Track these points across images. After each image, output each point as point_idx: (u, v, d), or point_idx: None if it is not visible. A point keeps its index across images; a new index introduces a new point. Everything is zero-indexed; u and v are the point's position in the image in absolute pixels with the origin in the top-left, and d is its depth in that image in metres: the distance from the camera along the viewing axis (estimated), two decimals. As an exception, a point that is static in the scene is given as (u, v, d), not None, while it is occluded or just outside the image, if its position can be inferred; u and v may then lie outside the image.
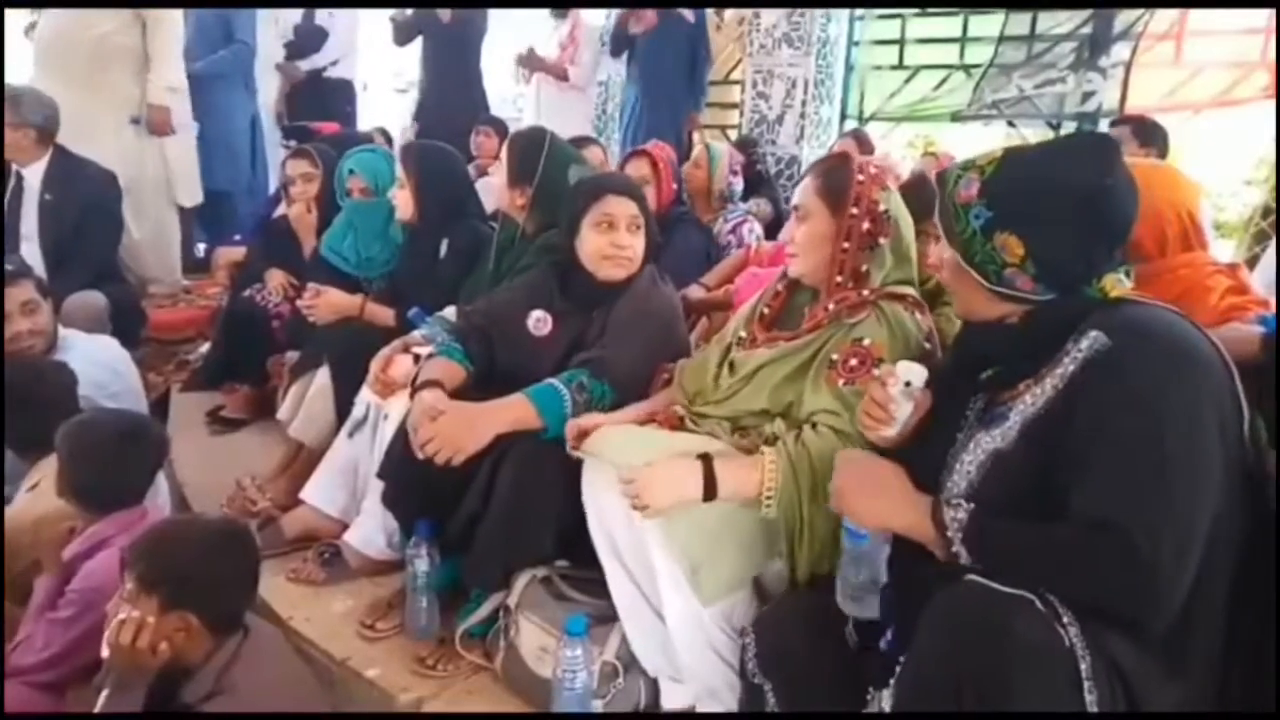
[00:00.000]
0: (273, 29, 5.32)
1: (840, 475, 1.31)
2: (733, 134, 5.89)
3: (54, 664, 1.76)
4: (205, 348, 3.61)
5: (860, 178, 1.65)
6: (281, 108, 5.48)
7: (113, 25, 3.92)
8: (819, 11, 5.31)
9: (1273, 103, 4.20)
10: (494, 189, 2.64)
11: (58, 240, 3.36)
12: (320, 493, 2.26)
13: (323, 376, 2.47)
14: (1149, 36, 4.58)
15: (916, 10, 5.37)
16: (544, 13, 5.59)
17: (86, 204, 3.42)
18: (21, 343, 2.47)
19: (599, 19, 5.53)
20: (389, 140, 4.61)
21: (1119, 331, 1.14)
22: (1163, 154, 3.51)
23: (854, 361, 1.57)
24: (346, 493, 2.26)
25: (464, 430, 1.76)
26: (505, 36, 5.87)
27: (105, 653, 1.50)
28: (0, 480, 2.25)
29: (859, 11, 5.56)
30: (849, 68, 5.69)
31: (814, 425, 1.56)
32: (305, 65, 5.44)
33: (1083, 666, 1.04)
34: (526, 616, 1.75)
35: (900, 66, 5.51)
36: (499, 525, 1.80)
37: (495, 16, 5.54)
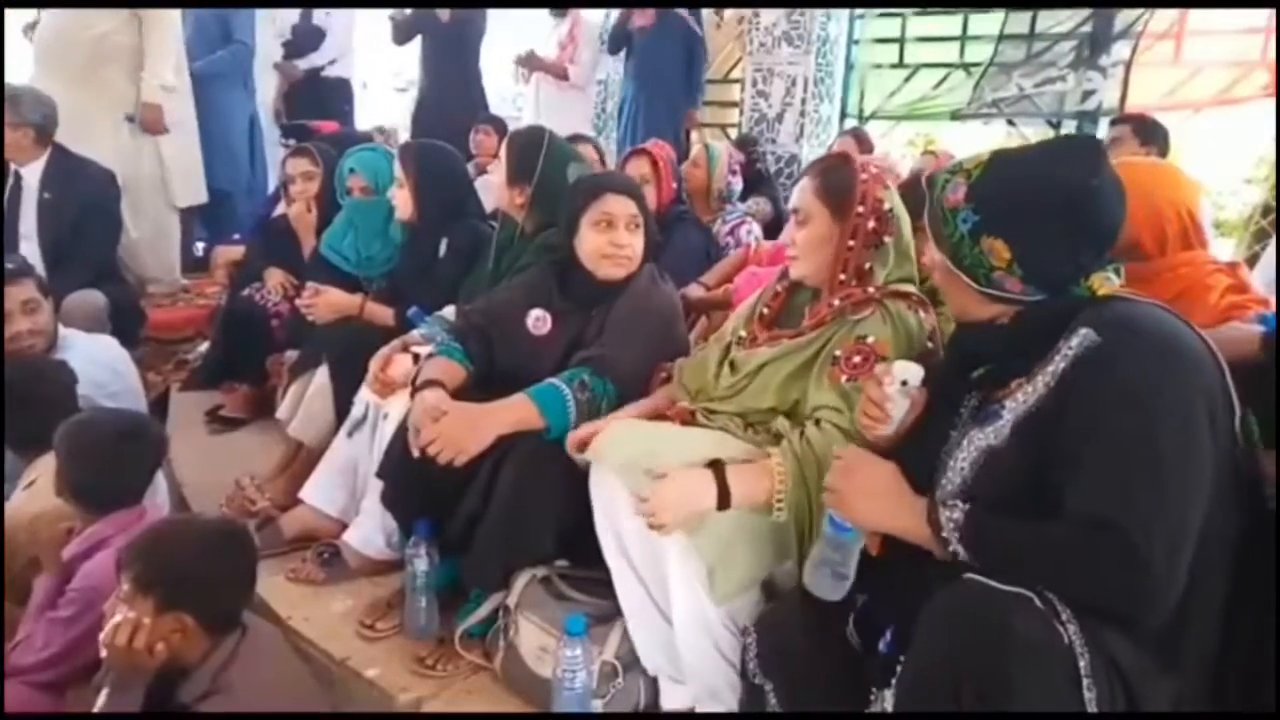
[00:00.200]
0: (270, 28, 5.32)
1: (836, 477, 1.31)
2: (732, 132, 5.89)
3: (54, 664, 1.76)
4: (204, 347, 3.61)
5: (864, 176, 1.65)
6: (279, 106, 5.48)
7: (111, 24, 3.92)
8: (819, 10, 5.30)
9: (1273, 101, 4.20)
10: (493, 188, 2.63)
11: (56, 239, 3.36)
12: (319, 492, 2.26)
13: (322, 376, 2.46)
14: (1149, 35, 4.58)
15: (916, 9, 5.37)
16: (544, 12, 5.59)
17: (85, 203, 3.41)
18: (22, 342, 2.47)
19: (598, 18, 5.53)
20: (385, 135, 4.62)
21: (1109, 328, 1.14)
22: (1163, 153, 3.51)
23: (857, 358, 1.58)
24: (346, 492, 2.25)
25: (467, 431, 1.76)
26: (505, 36, 5.87)
27: (102, 652, 1.50)
28: (0, 479, 2.25)
29: (859, 10, 5.57)
30: (849, 66, 5.69)
31: (817, 422, 1.56)
32: (303, 65, 5.43)
33: (1082, 664, 1.04)
34: (526, 616, 1.75)
35: (900, 65, 5.51)
36: (499, 525, 1.80)
37: (495, 16, 5.54)
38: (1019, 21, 4.95)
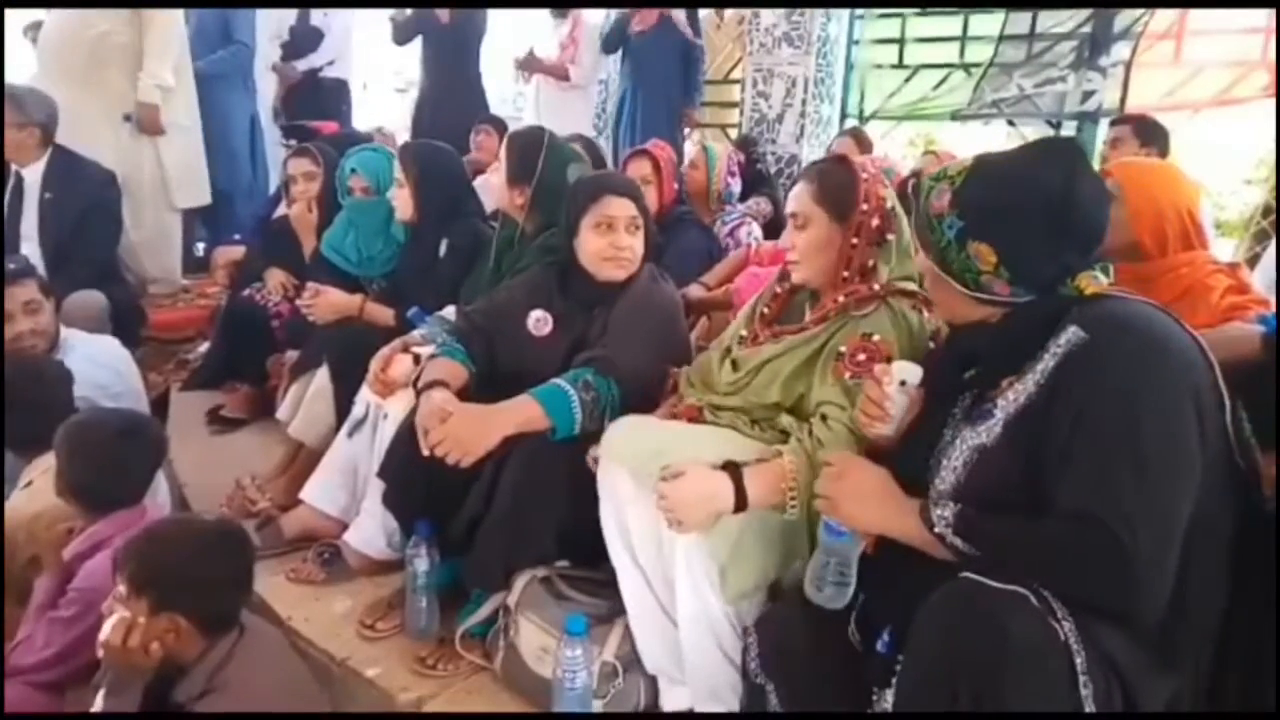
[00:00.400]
0: (267, 29, 5.31)
1: (827, 483, 1.32)
2: (733, 133, 5.89)
3: (54, 664, 1.77)
4: (205, 347, 3.61)
5: (865, 175, 1.65)
6: (278, 107, 5.48)
7: (111, 24, 3.91)
8: (819, 10, 5.30)
9: (1273, 102, 4.20)
10: (493, 188, 2.63)
11: (58, 239, 3.36)
12: (320, 492, 2.26)
13: (322, 376, 2.47)
14: (1149, 36, 4.58)
15: (917, 9, 5.37)
16: (544, 12, 5.59)
17: (86, 203, 3.42)
18: (24, 342, 2.47)
19: (599, 18, 5.53)
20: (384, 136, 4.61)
21: (1096, 325, 1.15)
22: (1163, 153, 3.50)
23: (861, 356, 1.58)
24: (346, 492, 2.25)
25: (474, 431, 1.76)
26: (505, 36, 5.87)
27: (100, 653, 1.51)
28: (0, 479, 2.25)
29: (859, 10, 5.56)
30: (849, 66, 5.69)
31: (824, 418, 1.57)
32: (301, 66, 5.43)
33: (1078, 661, 1.05)
34: (526, 616, 1.75)
35: (900, 65, 5.50)
36: (501, 525, 1.80)
37: (495, 16, 5.54)
38: (1019, 22, 4.95)
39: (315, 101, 5.36)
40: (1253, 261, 3.51)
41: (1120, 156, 3.35)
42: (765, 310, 1.81)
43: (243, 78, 4.97)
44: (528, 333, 2.01)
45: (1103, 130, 4.49)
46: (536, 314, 2.01)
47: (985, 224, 1.22)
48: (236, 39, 4.79)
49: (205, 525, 1.69)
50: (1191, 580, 1.09)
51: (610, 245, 1.94)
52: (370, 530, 2.12)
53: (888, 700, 1.23)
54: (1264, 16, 4.26)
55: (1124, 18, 4.63)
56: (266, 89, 5.44)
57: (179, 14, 4.17)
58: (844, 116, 5.72)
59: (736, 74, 5.95)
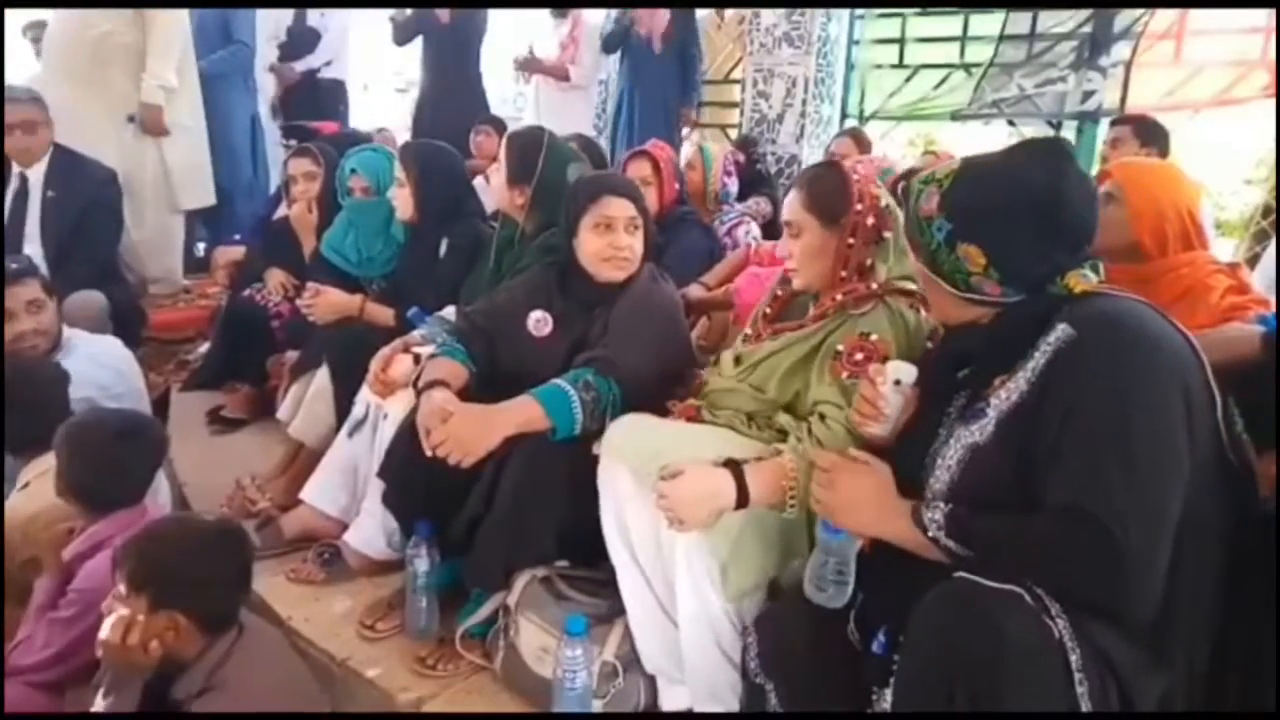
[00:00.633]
0: (265, 30, 5.31)
1: (819, 489, 1.33)
2: (733, 133, 5.89)
3: (54, 664, 1.77)
4: (205, 347, 3.61)
5: (856, 176, 1.66)
6: (275, 105, 5.48)
7: (113, 24, 3.92)
8: (819, 10, 5.30)
9: (1273, 102, 4.20)
10: (491, 189, 2.63)
11: (59, 238, 3.36)
12: (320, 493, 2.26)
13: (322, 376, 2.47)
14: (1149, 36, 4.58)
15: (917, 9, 5.37)
16: (544, 12, 5.59)
17: (88, 201, 3.42)
18: (26, 342, 2.46)
19: (599, 18, 5.53)
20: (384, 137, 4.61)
21: (1085, 323, 1.16)
22: (1164, 153, 3.50)
23: (859, 355, 1.59)
24: (346, 493, 2.25)
25: (475, 432, 1.75)
26: (505, 36, 5.87)
27: (99, 651, 1.51)
28: (0, 480, 2.25)
29: (859, 10, 5.56)
30: (849, 66, 5.69)
31: (822, 417, 1.57)
32: (299, 67, 5.44)
33: (1073, 659, 1.05)
34: (527, 617, 1.75)
35: (901, 65, 5.50)
36: (501, 525, 1.81)
37: (495, 16, 5.54)
38: (1019, 22, 4.95)
39: (313, 102, 5.37)
40: (1253, 261, 3.51)
41: (1120, 156, 3.35)
42: (768, 310, 1.83)
43: (243, 77, 4.98)
44: (528, 333, 2.01)
45: (1103, 130, 4.49)
46: (537, 314, 2.01)
47: (973, 226, 1.23)
48: (237, 38, 4.80)
49: (204, 524, 1.69)
50: (1183, 577, 1.10)
51: (609, 245, 1.94)
52: (370, 530, 2.12)
53: (887, 700, 1.23)
54: (1264, 16, 4.26)
55: (1124, 18, 4.63)
56: (265, 89, 5.44)
57: (182, 14, 4.17)
58: (844, 116, 5.72)
59: (737, 74, 5.95)
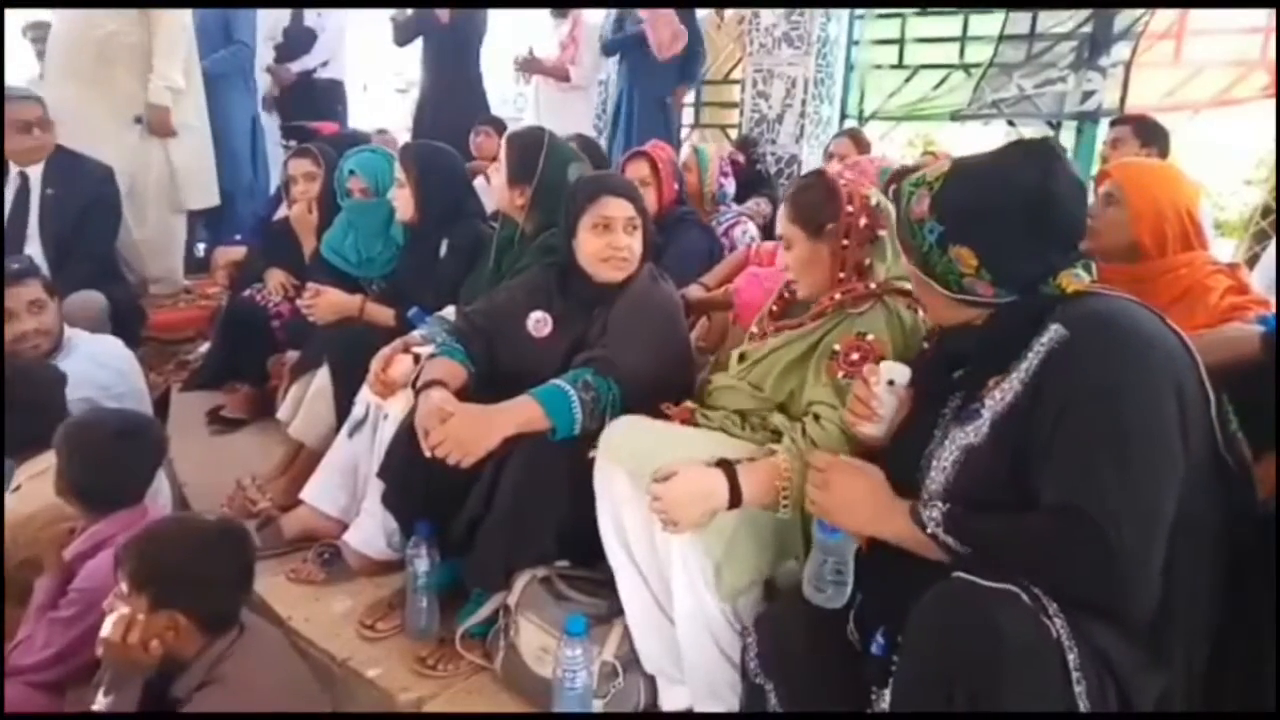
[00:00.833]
0: (263, 31, 5.32)
1: (819, 487, 1.33)
2: (733, 133, 5.89)
3: (54, 664, 1.77)
4: (205, 348, 3.61)
5: (844, 181, 1.68)
6: (268, 97, 5.48)
7: (118, 24, 3.92)
8: (819, 11, 5.30)
9: (1272, 102, 4.19)
10: (492, 189, 2.63)
11: (58, 235, 3.37)
12: (320, 493, 2.26)
13: (323, 377, 2.47)
14: (1149, 36, 4.58)
15: (916, 9, 5.37)
16: (544, 12, 5.59)
17: (86, 199, 3.42)
18: (28, 342, 2.46)
19: (598, 18, 5.53)
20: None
21: (1078, 323, 1.16)
22: (1164, 153, 3.50)
23: (855, 355, 1.60)
24: (346, 493, 2.25)
25: (475, 432, 1.76)
26: (505, 37, 5.87)
27: (99, 649, 1.51)
28: (0, 481, 2.25)
29: (859, 11, 5.56)
30: (849, 67, 5.69)
31: (816, 418, 1.58)
32: (296, 67, 5.44)
33: (1071, 658, 1.06)
34: (526, 617, 1.75)
35: (900, 66, 5.50)
36: (501, 525, 1.81)
37: (495, 16, 5.54)
38: (1019, 22, 4.94)
39: (310, 102, 5.36)
40: (1252, 262, 3.52)
41: (1120, 157, 3.35)
42: (773, 308, 1.85)
43: (243, 78, 4.98)
44: (527, 333, 2.01)
45: (1103, 131, 4.49)
46: (536, 315, 2.01)
47: (964, 227, 1.24)
48: (237, 39, 4.80)
49: (206, 524, 1.69)
50: (1179, 576, 1.10)
51: (608, 246, 1.94)
52: (370, 530, 2.12)
53: (886, 700, 1.24)
54: (1264, 16, 4.26)
55: (1124, 18, 4.63)
56: (261, 89, 5.44)
57: (186, 14, 4.17)
58: (844, 117, 5.72)
59: (736, 74, 5.95)
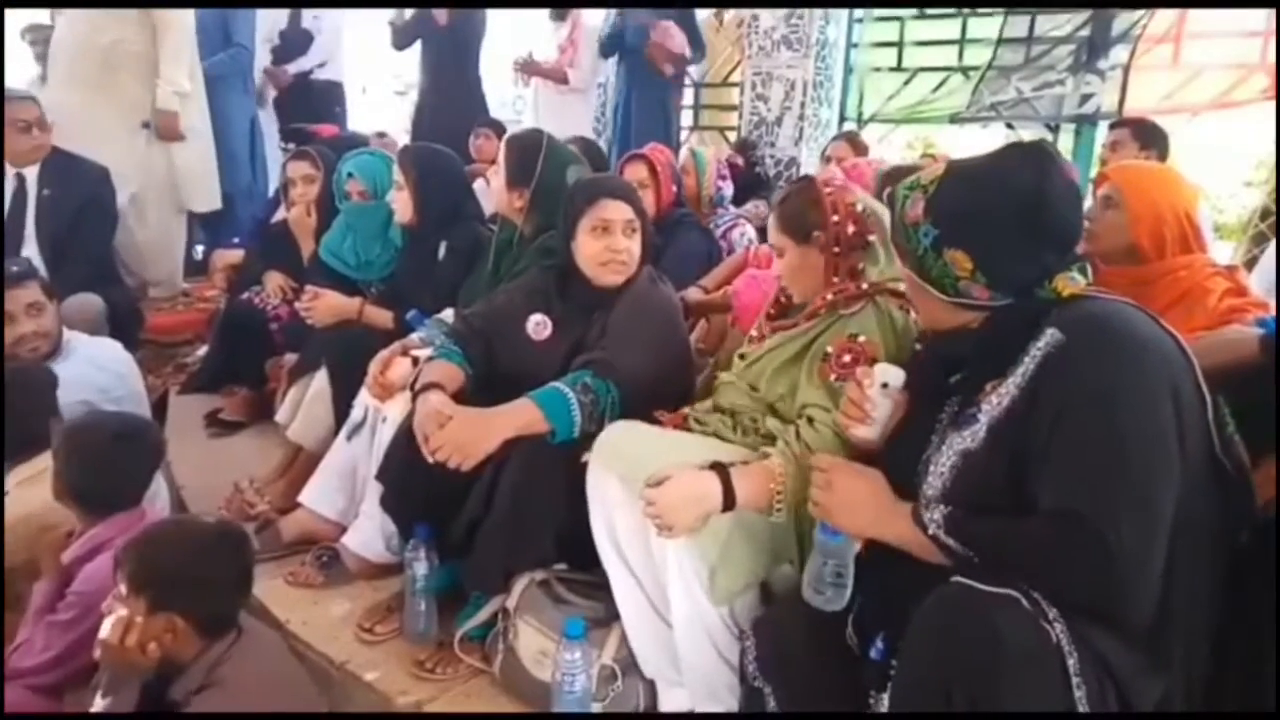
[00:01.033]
0: (260, 32, 5.31)
1: (817, 492, 1.33)
2: (732, 136, 5.89)
3: (53, 666, 1.77)
4: (203, 350, 3.61)
5: (829, 189, 1.69)
6: (262, 96, 5.48)
7: (123, 31, 3.92)
8: (818, 13, 5.30)
9: (1272, 105, 4.20)
10: (491, 192, 2.64)
11: (55, 236, 3.37)
12: (319, 496, 2.26)
13: (321, 379, 2.47)
14: (1147, 39, 4.58)
15: (915, 12, 5.37)
16: (543, 14, 5.59)
17: (82, 200, 3.43)
18: (27, 344, 2.46)
19: (597, 20, 5.53)
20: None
21: (1073, 327, 1.16)
22: (1163, 156, 3.50)
23: (847, 357, 1.60)
24: (345, 496, 2.25)
25: (474, 435, 1.75)
26: (504, 39, 5.87)
27: (96, 652, 1.51)
28: (0, 481, 2.25)
29: (858, 13, 5.56)
30: (848, 70, 5.69)
31: (810, 420, 1.58)
32: (293, 68, 5.44)
33: (1070, 663, 1.06)
34: (525, 620, 1.75)
35: (899, 69, 5.50)
36: (500, 528, 1.81)
37: (494, 19, 5.54)
38: (1017, 25, 4.95)
39: (308, 104, 5.36)
40: (1251, 264, 3.52)
41: (1119, 160, 3.35)
42: (771, 310, 1.85)
43: (242, 80, 4.98)
44: (527, 336, 2.01)
45: (1101, 133, 4.49)
46: (535, 318, 2.01)
47: (959, 230, 1.24)
48: (236, 41, 4.80)
49: (204, 526, 1.69)
50: (1178, 579, 1.10)
51: (606, 249, 1.94)
52: (369, 533, 2.11)
53: (885, 704, 1.23)
54: (1263, 19, 4.26)
55: (1122, 21, 4.63)
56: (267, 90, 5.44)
57: (189, 18, 4.18)
58: (842, 119, 5.72)
59: (735, 77, 5.95)
